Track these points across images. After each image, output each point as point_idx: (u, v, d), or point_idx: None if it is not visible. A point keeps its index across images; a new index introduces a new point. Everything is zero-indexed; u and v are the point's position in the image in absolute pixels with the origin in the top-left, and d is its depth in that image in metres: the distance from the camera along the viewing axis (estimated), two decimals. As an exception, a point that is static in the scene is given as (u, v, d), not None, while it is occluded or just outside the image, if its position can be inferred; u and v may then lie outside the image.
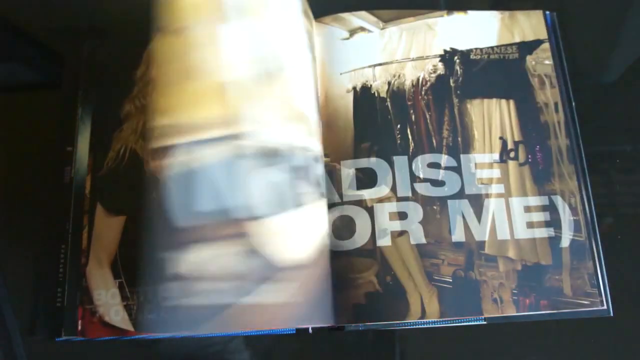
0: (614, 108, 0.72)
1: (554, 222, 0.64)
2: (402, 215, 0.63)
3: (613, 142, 0.69)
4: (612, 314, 0.61)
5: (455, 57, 0.69)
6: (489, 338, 0.63)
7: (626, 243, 0.66)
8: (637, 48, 0.76)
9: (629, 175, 0.69)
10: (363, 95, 0.68)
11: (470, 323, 0.61)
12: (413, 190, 0.64)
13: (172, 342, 0.63)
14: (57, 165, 0.69)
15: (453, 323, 0.61)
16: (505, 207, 0.64)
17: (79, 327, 0.62)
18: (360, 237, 0.63)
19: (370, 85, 0.68)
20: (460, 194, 0.64)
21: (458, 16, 0.71)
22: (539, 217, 0.64)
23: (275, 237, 0.48)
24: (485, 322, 0.61)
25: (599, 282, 0.62)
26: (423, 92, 0.68)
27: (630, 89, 0.74)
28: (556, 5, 0.76)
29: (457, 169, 0.65)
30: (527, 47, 0.70)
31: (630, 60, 0.76)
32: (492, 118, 0.67)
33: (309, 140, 0.56)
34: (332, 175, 0.65)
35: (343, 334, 0.62)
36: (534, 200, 0.64)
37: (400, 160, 0.65)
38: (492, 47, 0.70)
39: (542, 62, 0.69)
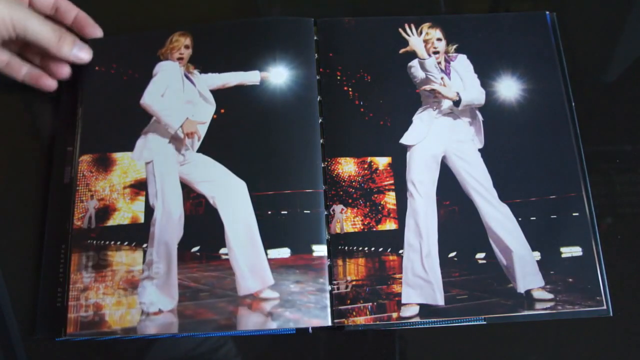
0: (614, 108, 0.72)
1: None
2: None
3: (613, 142, 0.69)
4: (611, 314, 0.61)
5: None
6: (489, 338, 0.63)
7: (626, 243, 0.65)
8: (637, 48, 0.76)
9: (629, 175, 0.69)
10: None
11: (470, 323, 0.61)
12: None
13: (174, 342, 0.63)
14: (57, 166, 0.69)
15: (453, 323, 0.61)
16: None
17: (69, 327, 0.62)
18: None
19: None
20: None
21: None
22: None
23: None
24: (485, 322, 0.61)
25: (599, 283, 0.62)
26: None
27: (630, 89, 0.74)
28: (556, 5, 0.76)
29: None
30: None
31: (630, 60, 0.76)
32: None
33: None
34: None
35: (343, 333, 0.62)
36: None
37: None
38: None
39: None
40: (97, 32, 0.73)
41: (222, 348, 0.63)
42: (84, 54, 0.69)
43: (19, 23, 0.63)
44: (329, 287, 0.62)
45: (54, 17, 0.71)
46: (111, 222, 0.66)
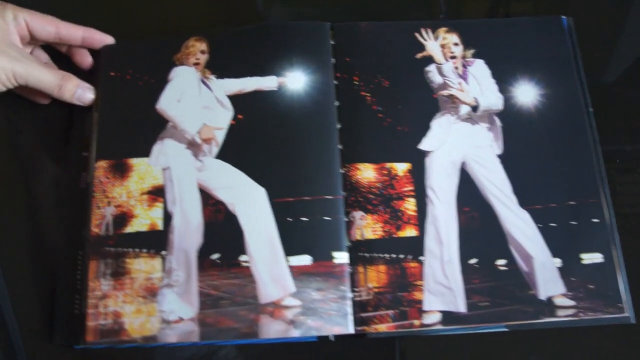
0: (614, 108, 0.72)
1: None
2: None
3: (613, 142, 0.69)
4: (633, 321, 0.61)
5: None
6: (511, 345, 0.63)
7: (625, 243, 0.65)
8: (637, 48, 0.76)
9: (629, 175, 0.69)
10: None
11: (492, 330, 0.61)
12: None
13: (194, 349, 0.63)
14: (72, 171, 0.69)
15: (475, 330, 0.61)
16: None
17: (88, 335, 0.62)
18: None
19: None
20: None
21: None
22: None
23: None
24: (507, 329, 0.61)
25: (620, 289, 0.62)
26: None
27: (630, 89, 0.74)
28: (556, 9, 0.76)
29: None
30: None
31: (630, 60, 0.76)
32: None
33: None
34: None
35: (365, 341, 0.62)
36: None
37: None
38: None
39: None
40: (107, 40, 0.72)
41: (241, 355, 0.63)
42: (87, 96, 0.70)
43: (20, 76, 0.65)
44: (350, 295, 0.62)
45: (60, 43, 0.71)
46: (129, 229, 0.65)
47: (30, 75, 0.65)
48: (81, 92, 0.69)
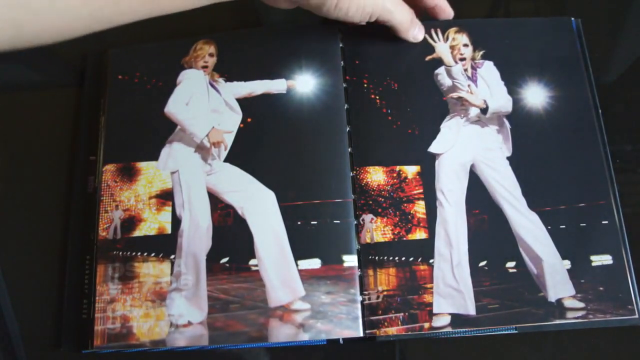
0: (614, 108, 0.72)
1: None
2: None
3: (613, 142, 0.69)
4: (645, 323, 0.61)
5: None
6: (521, 347, 0.63)
7: (635, 245, 0.64)
8: (637, 48, 0.76)
9: (629, 175, 0.69)
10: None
11: (501, 332, 0.61)
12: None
13: (202, 353, 0.63)
14: (80, 175, 0.69)
15: (484, 332, 0.61)
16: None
17: (96, 339, 0.62)
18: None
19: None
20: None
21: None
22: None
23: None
24: (516, 332, 0.61)
25: (630, 291, 0.62)
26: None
27: (630, 89, 0.74)
28: (555, 10, 0.75)
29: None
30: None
31: (630, 60, 0.75)
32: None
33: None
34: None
35: (374, 344, 0.62)
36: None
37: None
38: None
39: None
40: (450, 15, 0.72)
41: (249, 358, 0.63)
42: (421, 35, 0.70)
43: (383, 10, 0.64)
44: (360, 298, 0.61)
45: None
46: (137, 233, 0.65)
47: (387, 12, 0.65)
48: (418, 31, 0.70)
